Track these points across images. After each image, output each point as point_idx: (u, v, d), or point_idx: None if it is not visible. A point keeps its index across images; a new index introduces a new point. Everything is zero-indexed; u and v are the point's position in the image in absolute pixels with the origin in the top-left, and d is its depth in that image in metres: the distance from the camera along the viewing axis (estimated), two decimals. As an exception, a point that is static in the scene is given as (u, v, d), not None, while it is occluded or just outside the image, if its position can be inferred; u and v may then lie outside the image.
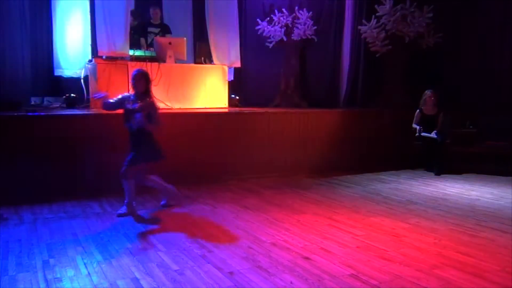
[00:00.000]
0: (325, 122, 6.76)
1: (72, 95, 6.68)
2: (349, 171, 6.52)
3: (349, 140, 6.81)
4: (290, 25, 7.94)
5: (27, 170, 4.73)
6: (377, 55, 7.57)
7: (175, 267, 3.06)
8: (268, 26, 7.98)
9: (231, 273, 2.96)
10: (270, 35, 7.99)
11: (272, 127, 6.30)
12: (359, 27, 7.64)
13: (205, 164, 5.72)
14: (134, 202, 4.34)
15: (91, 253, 3.33)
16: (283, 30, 7.93)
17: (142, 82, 4.26)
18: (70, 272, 2.97)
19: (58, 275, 2.92)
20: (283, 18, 7.94)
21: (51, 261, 3.16)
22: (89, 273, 2.96)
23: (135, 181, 4.28)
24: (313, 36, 7.98)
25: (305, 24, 7.89)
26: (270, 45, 8.05)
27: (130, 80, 4.34)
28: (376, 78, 7.81)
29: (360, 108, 7.62)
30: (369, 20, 7.50)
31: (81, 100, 6.69)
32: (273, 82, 8.19)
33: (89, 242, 3.56)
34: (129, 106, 4.21)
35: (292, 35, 7.94)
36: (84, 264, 3.11)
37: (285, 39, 7.97)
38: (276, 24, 7.94)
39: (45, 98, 7.01)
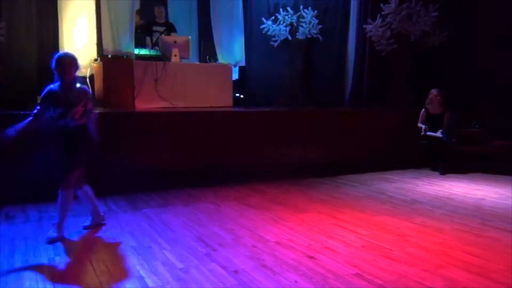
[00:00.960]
0: (329, 121, 6.75)
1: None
2: (353, 170, 6.51)
3: (354, 139, 6.80)
4: (295, 24, 7.93)
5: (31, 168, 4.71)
6: (382, 54, 7.54)
7: (180, 265, 3.07)
8: (273, 25, 7.97)
9: (235, 271, 2.97)
10: (275, 34, 7.98)
11: (276, 127, 6.29)
12: (365, 25, 7.62)
13: (208, 163, 5.72)
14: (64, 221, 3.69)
15: (96, 250, 3.35)
16: (288, 29, 7.92)
17: (73, 68, 3.52)
18: (76, 270, 2.99)
19: (64, 273, 2.94)
20: (288, 17, 7.92)
21: (57, 259, 3.18)
22: (94, 271, 2.97)
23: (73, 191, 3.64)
24: (318, 35, 7.97)
25: (310, 23, 7.87)
26: (275, 44, 8.04)
27: (53, 67, 3.50)
28: (381, 77, 7.79)
29: (365, 107, 7.60)
30: (374, 19, 7.47)
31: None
32: (278, 81, 8.18)
33: (95, 239, 3.58)
34: (62, 100, 3.50)
35: (297, 34, 7.93)
36: (90, 261, 3.13)
37: (290, 38, 7.95)
38: (281, 23, 7.93)
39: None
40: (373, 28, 7.44)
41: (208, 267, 3.04)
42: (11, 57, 5.95)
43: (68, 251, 3.33)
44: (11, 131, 3.39)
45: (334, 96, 8.15)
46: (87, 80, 6.93)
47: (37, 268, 3.02)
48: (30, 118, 3.51)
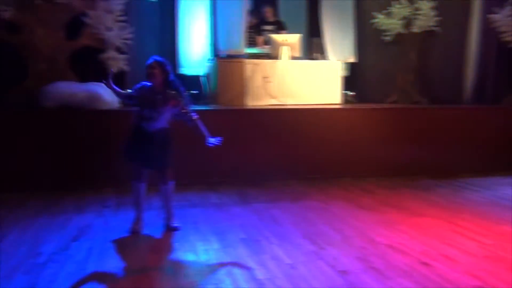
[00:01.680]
0: (447, 119, 6.27)
1: (194, 91, 7.12)
2: (474, 173, 5.98)
3: (474, 139, 6.23)
4: (410, 17, 7.52)
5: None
6: (509, 46, 6.81)
7: (287, 260, 3.10)
8: (386, 19, 7.65)
9: (343, 272, 2.91)
10: (388, 28, 7.66)
11: (388, 124, 6.03)
12: (489, 15, 6.95)
13: (318, 160, 5.69)
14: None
15: (209, 240, 3.52)
16: (402, 22, 7.54)
17: (159, 72, 3.54)
18: (191, 257, 3.19)
19: (181, 259, 3.15)
20: (402, 10, 7.54)
21: (175, 245, 3.42)
22: (208, 260, 3.13)
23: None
24: (435, 28, 7.46)
25: (426, 15, 7.40)
26: (388, 39, 7.71)
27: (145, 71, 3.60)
28: (509, 72, 7.04)
29: (489, 105, 6.93)
30: (500, 8, 6.78)
31: (202, 96, 7.11)
32: (390, 78, 7.83)
33: (208, 230, 3.77)
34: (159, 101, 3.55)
35: (412, 27, 7.51)
36: (204, 250, 3.31)
37: (404, 31, 7.57)
38: (395, 16, 7.58)
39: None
40: (502, 17, 6.75)
41: (316, 265, 3.03)
42: (136, 57, 6.51)
43: (183, 239, 3.56)
44: (112, 85, 3.67)
45: (452, 92, 7.55)
46: (202, 79, 7.35)
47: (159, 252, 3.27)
48: (121, 90, 3.77)
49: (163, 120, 3.59)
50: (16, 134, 4.94)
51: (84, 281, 2.79)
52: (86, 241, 3.49)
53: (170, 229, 3.75)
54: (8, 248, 3.33)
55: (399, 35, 7.64)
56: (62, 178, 5.01)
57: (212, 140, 3.67)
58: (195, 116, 3.68)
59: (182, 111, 3.62)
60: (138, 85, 3.66)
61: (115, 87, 3.70)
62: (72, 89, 5.29)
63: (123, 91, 3.90)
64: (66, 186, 4.95)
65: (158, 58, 3.60)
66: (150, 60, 3.57)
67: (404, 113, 6.27)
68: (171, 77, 3.60)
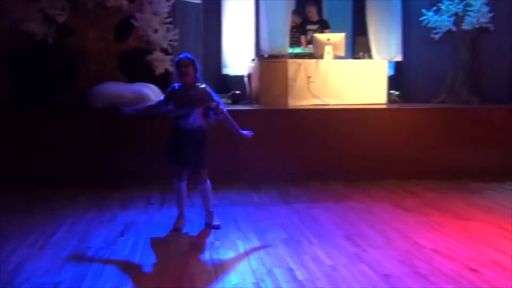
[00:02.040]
0: (498, 120, 5.98)
1: (236, 92, 7.19)
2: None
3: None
4: (461, 14, 7.23)
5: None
6: None
7: (328, 262, 3.07)
8: (435, 16, 7.40)
9: (386, 275, 2.84)
10: (437, 25, 7.41)
11: (435, 125, 5.84)
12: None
13: (361, 161, 5.59)
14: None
15: (250, 239, 3.55)
16: (452, 19, 7.28)
17: (192, 70, 3.57)
18: (232, 255, 3.22)
19: (222, 257, 3.19)
20: (453, 6, 7.27)
21: (216, 243, 3.47)
22: (248, 258, 3.15)
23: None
24: (488, 24, 7.13)
25: (479, 11, 7.09)
26: (436, 37, 7.46)
27: (174, 68, 3.67)
28: None
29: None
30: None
31: (245, 96, 7.17)
32: (438, 77, 7.57)
33: (249, 228, 3.80)
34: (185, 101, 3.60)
35: (463, 24, 7.22)
36: (244, 249, 3.33)
37: (454, 29, 7.30)
38: (444, 13, 7.32)
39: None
40: None
41: (358, 267, 2.98)
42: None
43: (224, 237, 3.60)
44: (130, 110, 3.88)
45: (505, 92, 7.19)
46: (245, 79, 7.41)
47: (201, 250, 3.34)
48: (151, 103, 3.98)
49: (198, 115, 3.62)
50: (66, 133, 5.18)
51: (128, 275, 2.88)
52: (131, 236, 3.60)
53: (210, 227, 3.81)
54: (60, 240, 3.51)
55: (449, 32, 7.38)
56: (109, 175, 5.20)
57: (244, 132, 3.74)
58: (224, 110, 3.71)
59: (212, 104, 3.65)
60: (169, 90, 3.75)
61: (139, 107, 3.92)
62: (119, 89, 5.48)
63: (152, 103, 4.01)
64: (113, 183, 5.13)
65: (189, 55, 3.65)
66: (182, 57, 3.60)
67: (452, 113, 6.04)
68: (199, 73, 3.66)
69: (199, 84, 3.64)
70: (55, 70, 5.99)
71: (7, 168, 4.98)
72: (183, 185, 3.79)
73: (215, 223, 3.84)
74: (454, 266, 2.98)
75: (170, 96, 3.71)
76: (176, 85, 3.70)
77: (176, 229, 3.77)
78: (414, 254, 3.20)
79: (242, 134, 3.75)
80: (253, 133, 3.78)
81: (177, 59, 3.64)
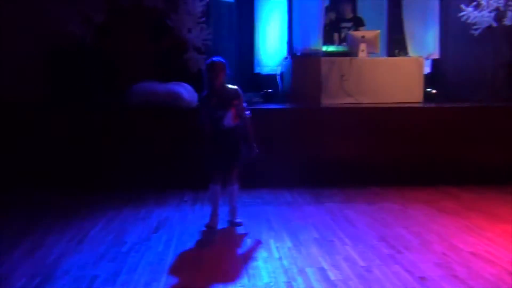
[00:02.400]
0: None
1: (269, 90, 7.18)
2: None
3: None
4: (503, 9, 6.96)
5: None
6: None
7: (362, 263, 3.02)
8: (475, 12, 7.15)
9: (422, 278, 2.77)
10: (476, 21, 7.16)
11: (473, 124, 5.64)
12: None
13: (393, 161, 5.47)
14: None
15: (282, 238, 3.54)
16: (493, 14, 7.01)
17: (223, 73, 3.62)
18: (264, 254, 3.22)
19: (254, 255, 3.20)
20: (494, 1, 7.00)
21: (249, 241, 3.48)
22: (280, 257, 3.15)
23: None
24: (531, 19, 6.84)
25: (522, 5, 6.81)
26: (476, 33, 7.21)
27: (204, 71, 3.70)
28: None
29: None
30: None
31: (277, 95, 7.14)
32: (477, 74, 7.30)
33: (281, 228, 3.79)
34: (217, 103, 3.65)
35: (505, 19, 6.95)
36: (276, 248, 3.33)
37: (495, 24, 7.03)
38: (485, 8, 7.06)
39: (246, 94, 7.71)
40: None
41: (392, 269, 2.91)
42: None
43: (256, 236, 3.61)
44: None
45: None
46: (278, 77, 7.39)
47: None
48: (204, 114, 3.76)
49: (231, 116, 3.66)
50: (101, 133, 5.30)
51: (162, 270, 2.93)
52: (165, 233, 3.67)
53: (233, 225, 3.87)
54: (97, 235, 3.62)
55: (489, 28, 7.12)
56: (144, 173, 5.29)
57: (254, 145, 3.76)
58: (248, 115, 3.75)
59: (241, 106, 3.70)
60: (203, 95, 3.78)
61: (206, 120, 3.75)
62: (155, 88, 5.57)
63: (202, 115, 3.82)
64: (148, 180, 5.23)
65: (222, 59, 3.68)
66: (215, 61, 3.63)
67: (493, 112, 5.83)
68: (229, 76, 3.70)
69: (229, 85, 3.68)
70: (93, 70, 6.16)
71: (54, 166, 5.15)
72: (219, 188, 3.84)
73: (237, 220, 3.90)
74: (494, 271, 2.87)
75: (204, 105, 3.75)
76: (204, 93, 3.75)
77: (210, 227, 3.81)
78: (452, 257, 3.11)
79: (252, 146, 3.78)
80: (258, 152, 3.78)
81: (209, 61, 3.68)
